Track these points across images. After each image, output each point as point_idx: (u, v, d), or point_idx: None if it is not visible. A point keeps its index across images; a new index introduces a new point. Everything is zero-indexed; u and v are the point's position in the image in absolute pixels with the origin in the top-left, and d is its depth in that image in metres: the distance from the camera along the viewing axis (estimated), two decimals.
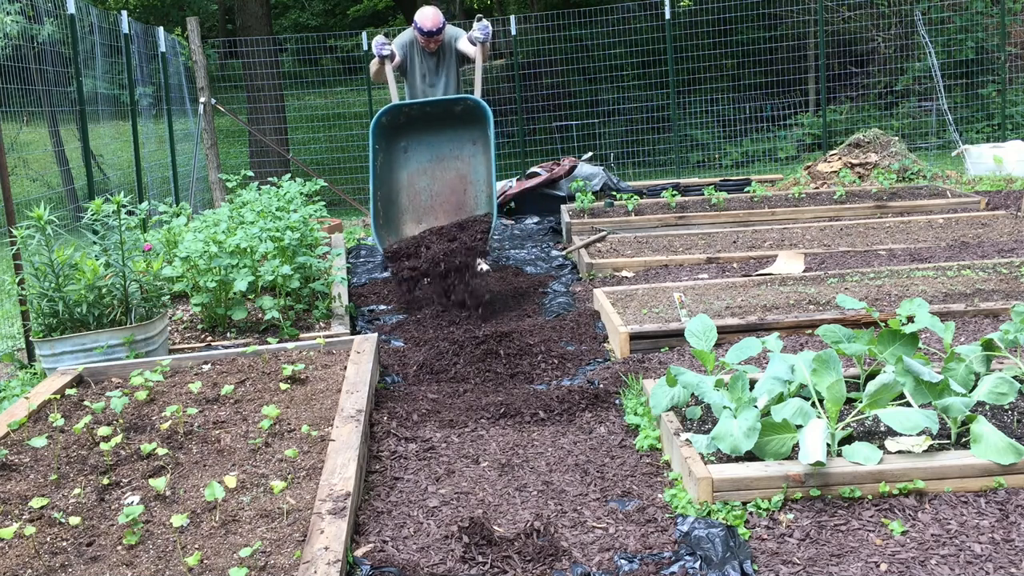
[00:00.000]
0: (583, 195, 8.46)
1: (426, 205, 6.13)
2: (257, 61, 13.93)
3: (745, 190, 9.28)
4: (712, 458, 3.13)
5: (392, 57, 6.38)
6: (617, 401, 4.05)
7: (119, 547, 2.79)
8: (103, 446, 3.37)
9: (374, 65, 6.49)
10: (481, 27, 6.34)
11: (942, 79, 12.75)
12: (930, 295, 5.07)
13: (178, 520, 2.74)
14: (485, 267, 7.08)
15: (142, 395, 3.92)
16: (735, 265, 6.44)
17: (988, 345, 3.56)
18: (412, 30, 6.60)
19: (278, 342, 4.96)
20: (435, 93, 6.63)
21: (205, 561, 2.67)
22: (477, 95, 6.24)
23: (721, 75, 14.63)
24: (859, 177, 9.55)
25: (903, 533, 2.79)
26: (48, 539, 2.85)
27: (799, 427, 3.08)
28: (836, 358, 3.22)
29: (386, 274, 7.18)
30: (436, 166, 6.18)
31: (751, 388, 3.52)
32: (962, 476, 2.98)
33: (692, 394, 3.49)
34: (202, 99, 10.21)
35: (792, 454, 3.08)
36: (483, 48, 6.37)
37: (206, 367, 4.43)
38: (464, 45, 6.52)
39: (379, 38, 6.37)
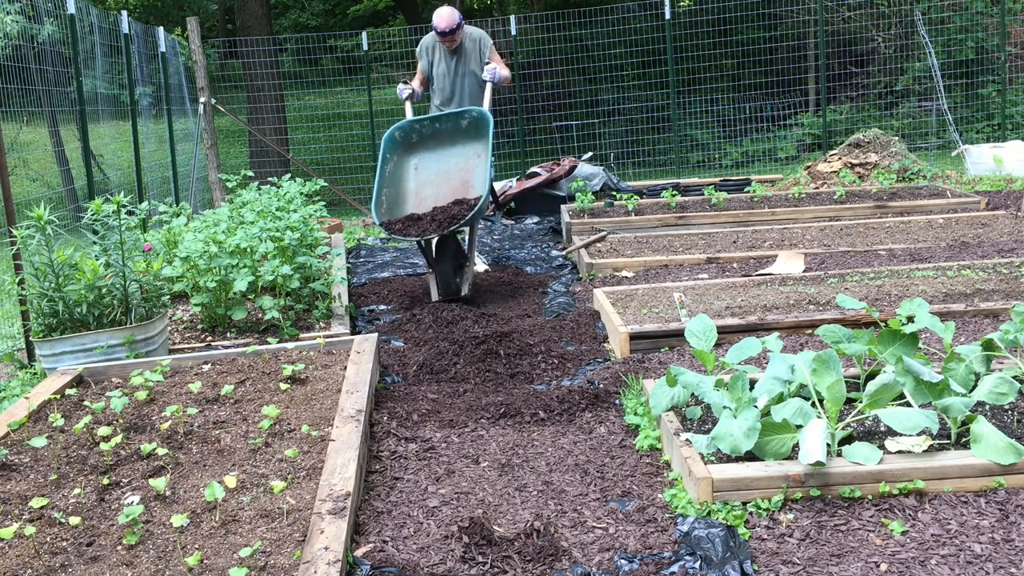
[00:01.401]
0: (583, 195, 8.46)
1: (428, 207, 6.28)
2: (257, 61, 13.92)
3: (745, 190, 9.28)
4: (712, 458, 3.13)
5: (412, 96, 6.84)
6: (617, 401, 4.05)
7: (119, 547, 2.79)
8: (103, 446, 3.37)
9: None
10: (488, 71, 6.71)
11: (942, 79, 12.75)
12: (930, 295, 5.07)
13: (178, 520, 2.74)
14: (484, 267, 7.10)
15: (142, 395, 3.92)
16: (735, 265, 6.44)
17: (988, 345, 3.56)
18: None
19: (278, 342, 4.96)
20: (454, 93, 6.90)
21: (205, 561, 2.67)
22: (485, 107, 6.59)
23: (721, 75, 14.63)
24: (859, 177, 9.55)
25: (903, 533, 2.79)
26: (48, 539, 2.85)
27: (799, 427, 3.08)
28: (836, 358, 3.22)
29: (385, 274, 7.20)
30: (443, 177, 6.44)
31: (751, 388, 3.52)
32: (962, 476, 2.98)
33: (692, 394, 3.49)
34: (202, 99, 10.21)
35: (792, 454, 3.08)
36: (491, 85, 6.78)
37: (206, 367, 4.43)
38: (489, 63, 6.85)
39: (401, 86, 6.86)
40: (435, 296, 5.97)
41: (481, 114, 6.43)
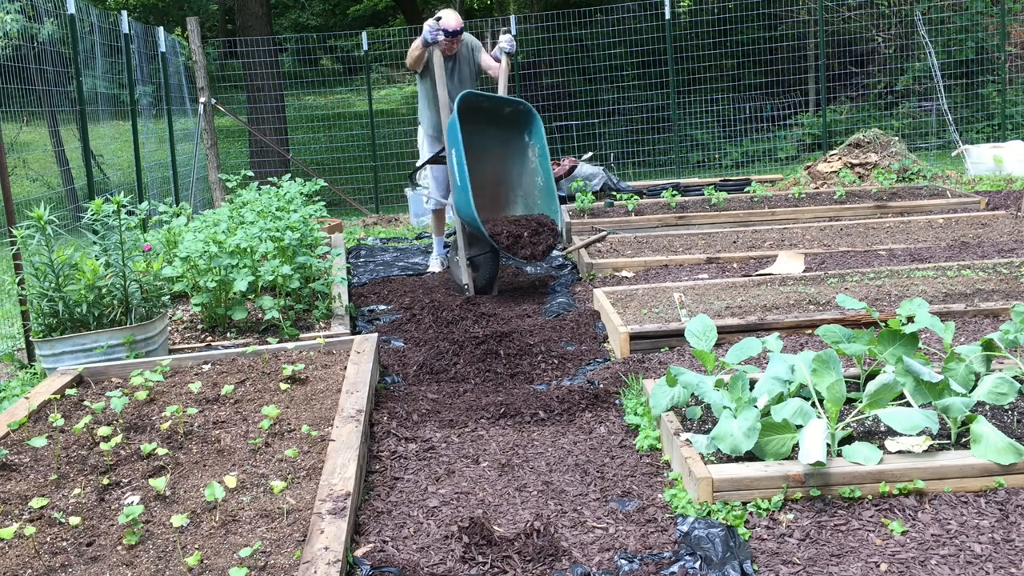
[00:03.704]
0: (583, 195, 8.46)
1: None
2: (257, 61, 13.92)
3: (745, 190, 9.28)
4: (712, 458, 3.13)
5: (440, 45, 6.50)
6: (617, 401, 4.05)
7: (119, 547, 2.79)
8: (103, 446, 3.37)
9: (416, 50, 6.60)
10: (508, 40, 6.70)
11: (942, 79, 12.75)
12: (930, 295, 5.07)
13: (178, 520, 2.74)
14: None
15: (142, 395, 3.92)
16: (735, 265, 6.44)
17: (988, 345, 3.56)
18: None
19: (278, 342, 4.96)
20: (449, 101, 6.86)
21: (205, 561, 2.67)
22: (503, 92, 6.61)
23: (721, 75, 14.63)
24: (859, 177, 9.55)
25: (903, 533, 2.79)
26: (48, 539, 2.85)
27: (799, 427, 3.08)
28: (836, 358, 3.22)
29: (385, 274, 7.20)
30: (475, 160, 6.25)
31: (751, 388, 3.52)
32: (962, 476, 2.98)
33: (692, 394, 3.49)
34: (202, 99, 10.21)
35: (792, 454, 3.08)
36: (508, 58, 6.73)
37: (206, 367, 4.43)
38: (486, 60, 6.85)
39: (431, 22, 6.47)
40: (471, 292, 6.21)
41: (528, 111, 6.47)
